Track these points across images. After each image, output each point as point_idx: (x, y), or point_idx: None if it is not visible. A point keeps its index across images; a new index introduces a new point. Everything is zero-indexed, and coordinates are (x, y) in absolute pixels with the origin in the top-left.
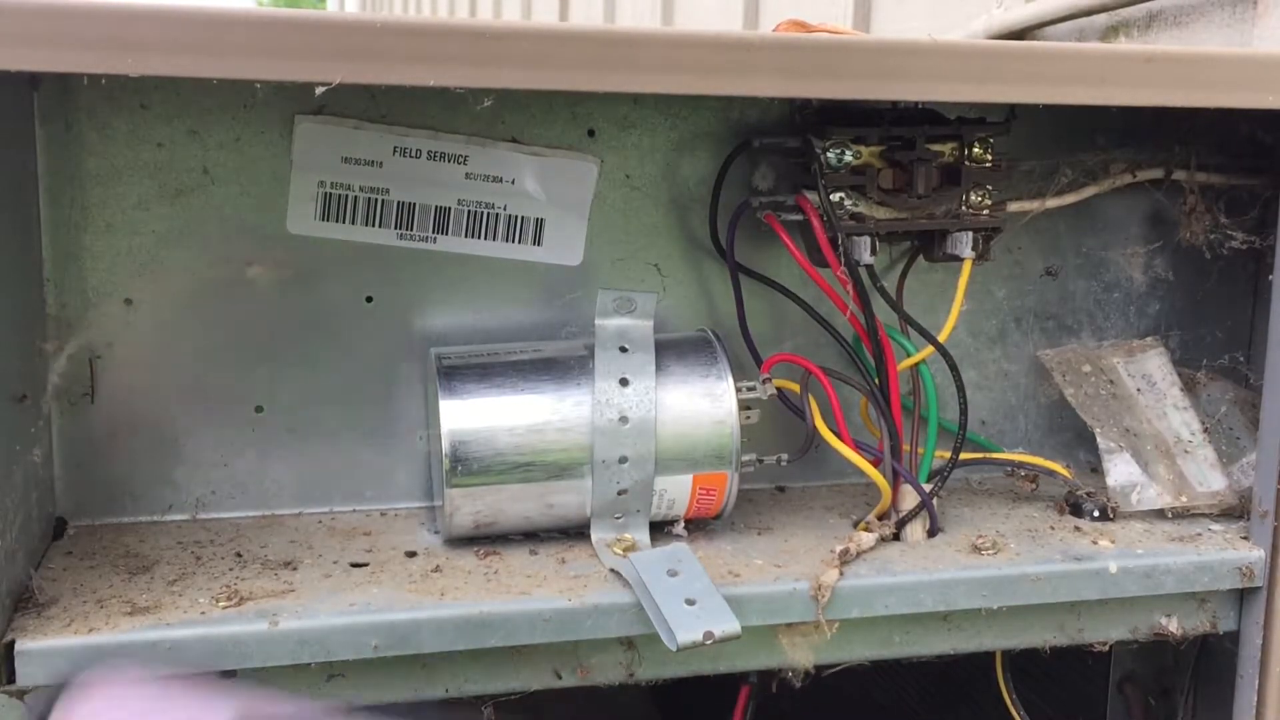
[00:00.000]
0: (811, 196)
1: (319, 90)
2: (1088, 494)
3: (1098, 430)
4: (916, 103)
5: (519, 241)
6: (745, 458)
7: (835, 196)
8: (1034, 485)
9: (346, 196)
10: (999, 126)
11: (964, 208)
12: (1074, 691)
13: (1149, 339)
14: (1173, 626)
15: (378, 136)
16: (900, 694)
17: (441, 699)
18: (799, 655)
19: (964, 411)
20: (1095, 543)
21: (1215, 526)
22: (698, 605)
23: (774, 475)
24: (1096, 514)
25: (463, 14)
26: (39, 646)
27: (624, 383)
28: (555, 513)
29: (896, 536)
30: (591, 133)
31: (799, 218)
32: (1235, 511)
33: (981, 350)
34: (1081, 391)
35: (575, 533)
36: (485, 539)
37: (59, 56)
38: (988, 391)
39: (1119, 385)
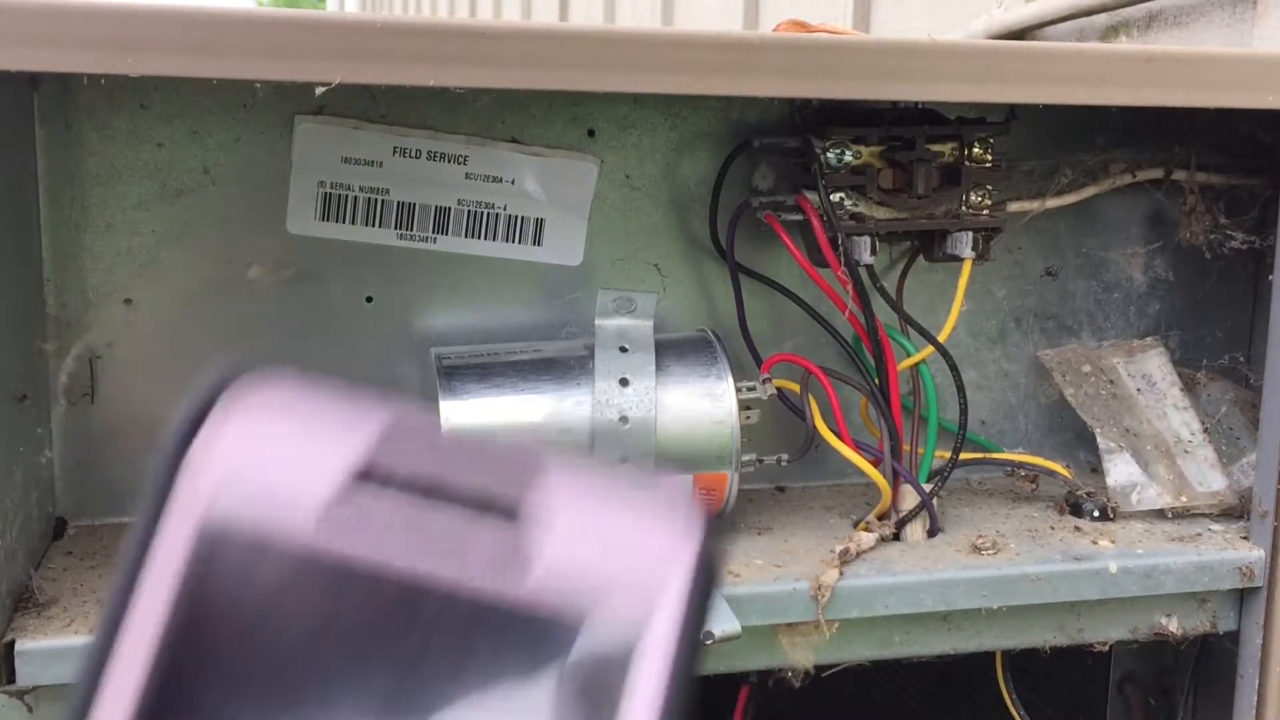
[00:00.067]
0: (811, 196)
1: (319, 90)
2: (1088, 494)
3: (1098, 430)
4: (916, 103)
5: (519, 241)
6: (745, 458)
7: (835, 196)
8: (1034, 485)
9: (346, 196)
10: (999, 126)
11: (964, 208)
12: (1074, 691)
13: (1149, 339)
14: (1173, 626)
15: (378, 136)
16: (900, 694)
17: None
18: (799, 655)
19: (964, 411)
20: (1095, 543)
21: (1215, 526)
22: None
23: (774, 475)
24: (1096, 514)
25: (463, 14)
26: (39, 646)
27: (624, 383)
28: None
29: (896, 536)
30: (591, 133)
31: (799, 218)
32: (1235, 511)
33: (981, 350)
34: (1081, 391)
35: None
36: None
37: (59, 56)
38: (988, 391)
39: (1119, 385)
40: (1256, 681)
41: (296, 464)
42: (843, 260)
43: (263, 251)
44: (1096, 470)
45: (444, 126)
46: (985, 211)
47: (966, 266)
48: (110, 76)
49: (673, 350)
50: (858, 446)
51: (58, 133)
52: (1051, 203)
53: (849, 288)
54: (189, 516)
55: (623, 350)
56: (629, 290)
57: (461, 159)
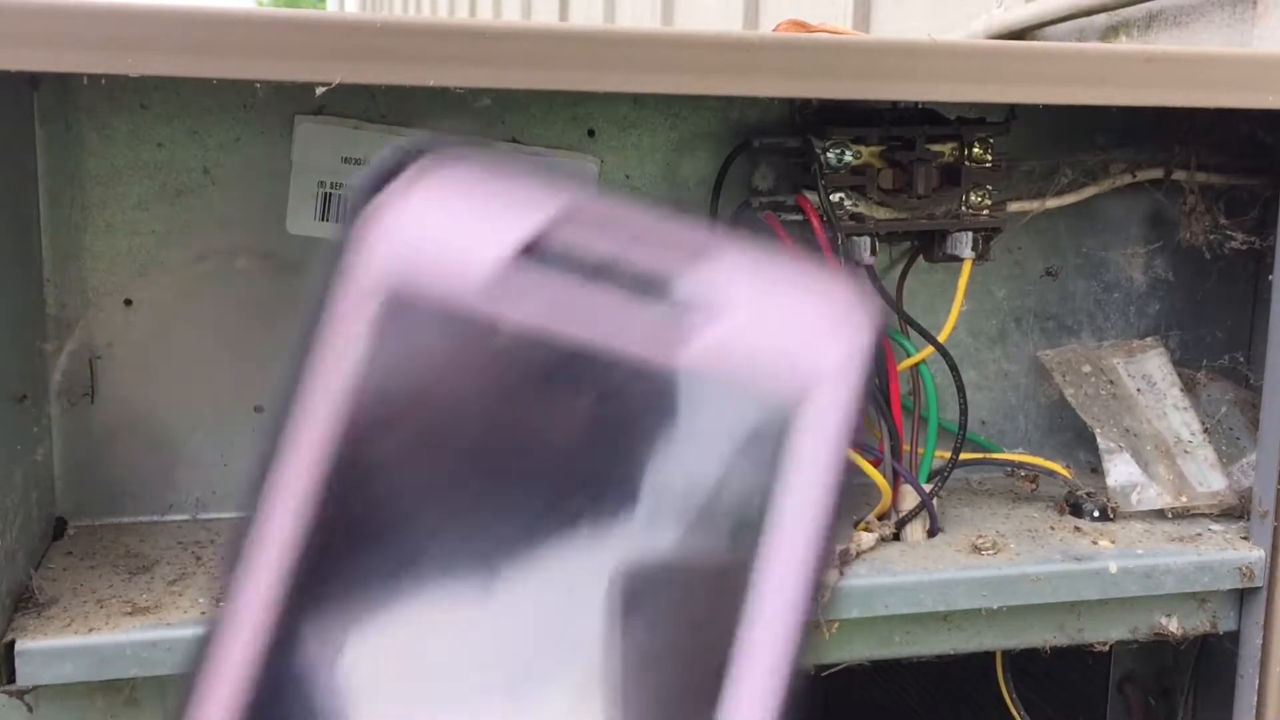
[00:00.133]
0: (811, 196)
1: (319, 90)
2: (1088, 494)
3: (1098, 430)
4: (916, 103)
5: None
6: None
7: (835, 196)
8: (1034, 485)
9: (346, 196)
10: (999, 126)
11: (964, 208)
12: (1074, 691)
13: (1149, 339)
14: (1173, 626)
15: (378, 136)
16: (900, 694)
17: None
18: None
19: (964, 411)
20: (1095, 543)
21: (1215, 526)
22: None
23: None
24: (1096, 514)
25: (463, 14)
26: (39, 646)
27: None
28: None
29: (896, 536)
30: (591, 133)
31: (799, 218)
32: (1235, 511)
33: (981, 350)
34: (1081, 392)
35: None
36: None
37: (59, 56)
38: (988, 391)
39: (1119, 385)
40: (1256, 681)
41: (473, 235)
42: (843, 260)
43: (263, 252)
44: (1096, 470)
45: (444, 126)
46: (985, 211)
47: (966, 266)
48: (110, 76)
49: None
50: (858, 446)
51: (58, 133)
52: (1051, 203)
53: None
54: (368, 282)
55: None
56: None
57: None
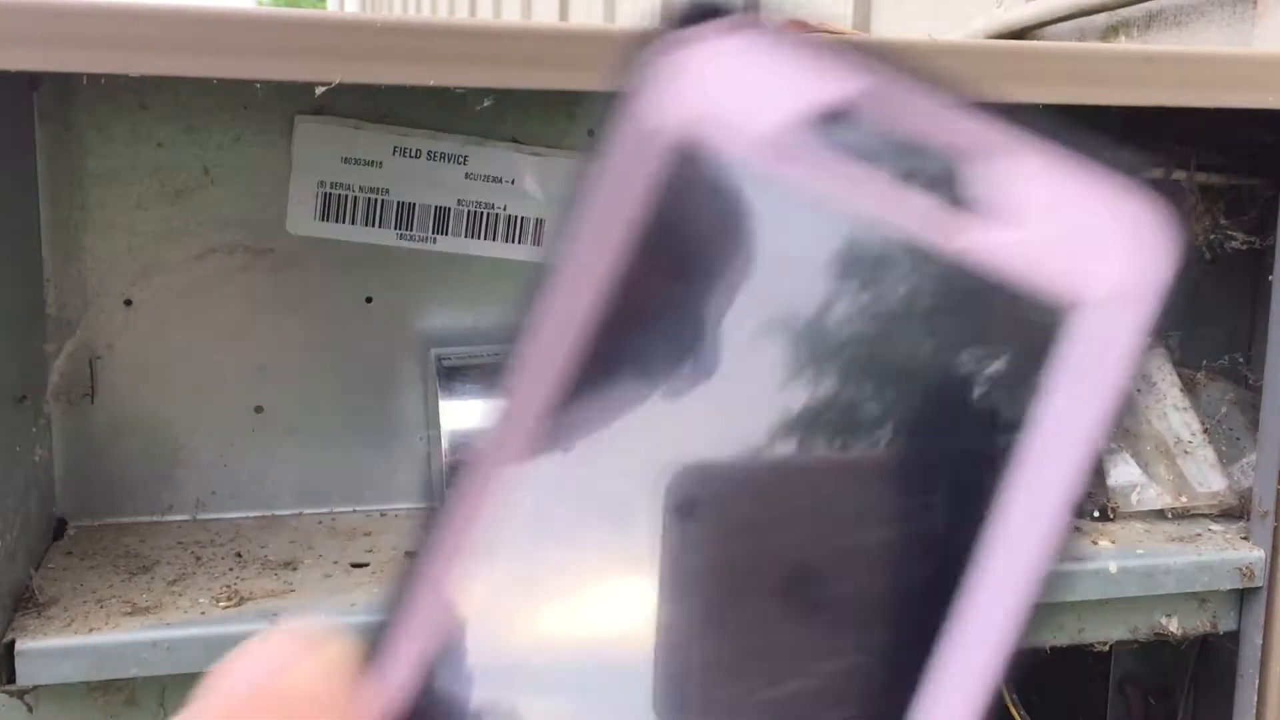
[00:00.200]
0: None
1: (319, 90)
2: (1088, 494)
3: None
4: None
5: (519, 241)
6: None
7: None
8: None
9: (346, 196)
10: None
11: None
12: (1074, 691)
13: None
14: (1173, 626)
15: (378, 136)
16: None
17: None
18: None
19: None
20: (1095, 543)
21: (1215, 526)
22: None
23: None
24: (1096, 514)
25: (463, 14)
26: (39, 646)
27: None
28: None
29: None
30: (591, 133)
31: None
32: (1235, 511)
33: None
34: None
35: None
36: None
37: (59, 56)
38: None
39: None
40: (1256, 681)
41: (771, 95)
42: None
43: (262, 252)
44: (1096, 470)
45: (444, 126)
46: None
47: None
48: (110, 76)
49: None
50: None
51: (58, 133)
52: None
53: None
54: (658, 125)
55: None
56: None
57: (461, 159)
